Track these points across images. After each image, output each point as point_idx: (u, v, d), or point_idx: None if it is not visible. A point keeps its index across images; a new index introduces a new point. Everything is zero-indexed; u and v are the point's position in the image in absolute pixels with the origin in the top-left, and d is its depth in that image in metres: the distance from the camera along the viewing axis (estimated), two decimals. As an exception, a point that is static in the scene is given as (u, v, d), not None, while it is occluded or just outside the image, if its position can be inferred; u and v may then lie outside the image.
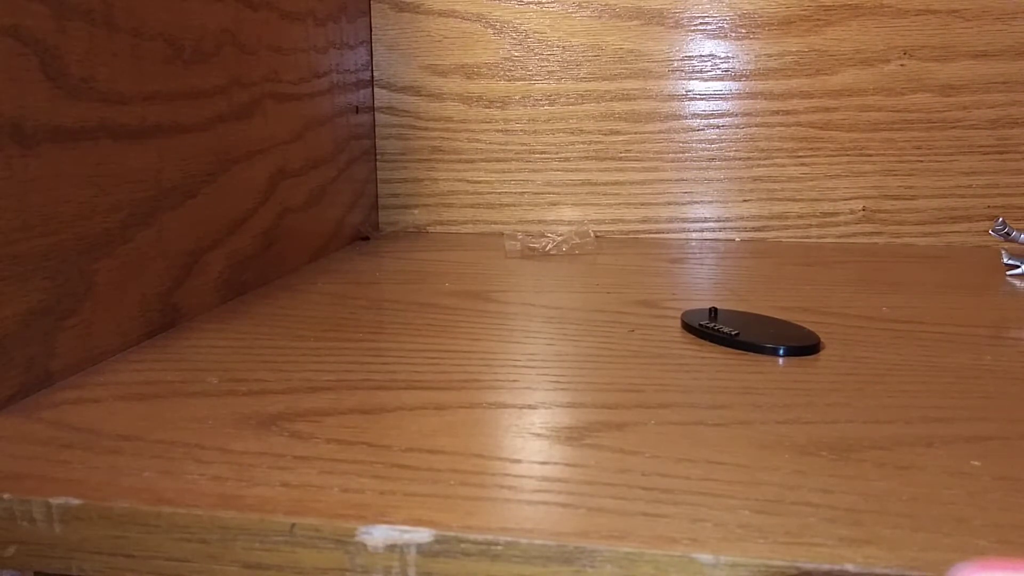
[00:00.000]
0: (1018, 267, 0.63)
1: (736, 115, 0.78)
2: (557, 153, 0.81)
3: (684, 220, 0.81)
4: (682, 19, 0.77)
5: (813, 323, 0.50)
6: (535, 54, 0.80)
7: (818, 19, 0.76)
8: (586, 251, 0.73)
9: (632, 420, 0.35)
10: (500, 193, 0.83)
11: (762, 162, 0.79)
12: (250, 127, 0.58)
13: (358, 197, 0.80)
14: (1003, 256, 0.64)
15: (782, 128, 0.78)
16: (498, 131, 0.82)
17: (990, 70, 0.74)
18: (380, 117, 0.84)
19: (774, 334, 0.46)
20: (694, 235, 0.81)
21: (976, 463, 0.31)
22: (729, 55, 0.77)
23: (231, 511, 0.28)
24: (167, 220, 0.48)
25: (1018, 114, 0.74)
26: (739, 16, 0.77)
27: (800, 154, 0.78)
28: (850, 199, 0.78)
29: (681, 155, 0.80)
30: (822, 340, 0.46)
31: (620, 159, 0.81)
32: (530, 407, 0.37)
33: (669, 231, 0.81)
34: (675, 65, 0.78)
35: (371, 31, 0.82)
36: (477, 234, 0.83)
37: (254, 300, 0.56)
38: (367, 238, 0.81)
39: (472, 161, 0.83)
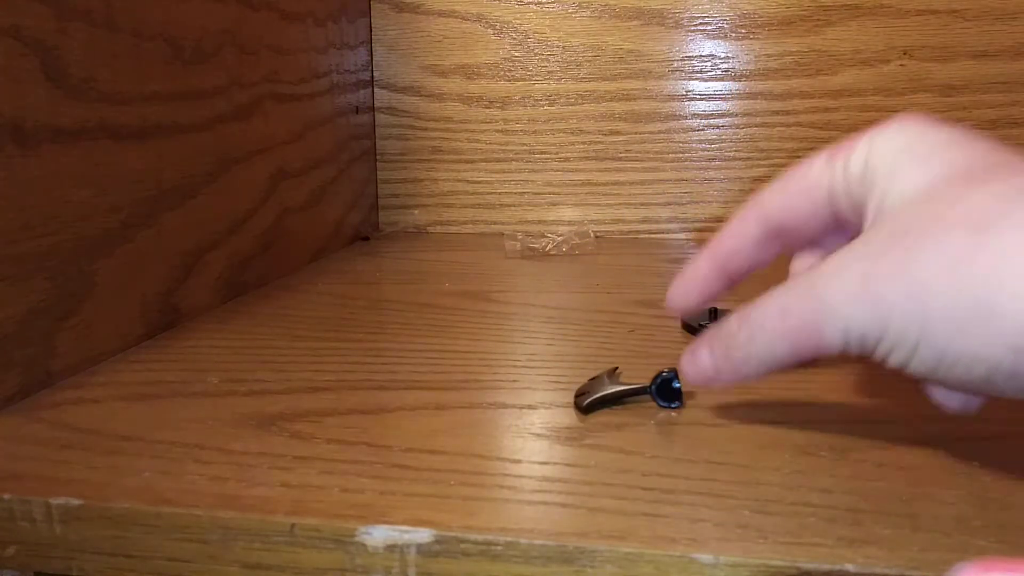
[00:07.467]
0: (1018, 267, 0.63)
1: (736, 115, 0.78)
2: (557, 153, 0.81)
3: (684, 220, 0.81)
4: (682, 19, 0.77)
5: (813, 323, 0.49)
6: (535, 54, 0.80)
7: (818, 19, 0.76)
8: (586, 251, 0.73)
9: (632, 420, 0.35)
10: (500, 193, 0.83)
11: (762, 162, 0.78)
12: (250, 127, 0.58)
13: (358, 197, 0.80)
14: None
15: (782, 128, 0.78)
16: (498, 131, 0.82)
17: (990, 70, 0.74)
18: (380, 117, 0.84)
19: (774, 334, 0.46)
20: (694, 235, 0.81)
21: (976, 463, 0.31)
22: (729, 55, 0.77)
23: (231, 511, 0.28)
24: (167, 220, 0.48)
25: (1018, 114, 0.74)
26: (739, 16, 0.77)
27: (800, 154, 0.77)
28: (850, 199, 0.78)
29: (681, 155, 0.80)
30: (822, 340, 0.46)
31: (620, 159, 0.80)
32: (530, 407, 0.37)
33: (669, 231, 0.81)
34: (675, 65, 0.78)
35: (371, 31, 0.82)
36: (477, 234, 0.83)
37: (254, 300, 0.56)
38: (367, 238, 0.81)
39: (472, 161, 0.83)
